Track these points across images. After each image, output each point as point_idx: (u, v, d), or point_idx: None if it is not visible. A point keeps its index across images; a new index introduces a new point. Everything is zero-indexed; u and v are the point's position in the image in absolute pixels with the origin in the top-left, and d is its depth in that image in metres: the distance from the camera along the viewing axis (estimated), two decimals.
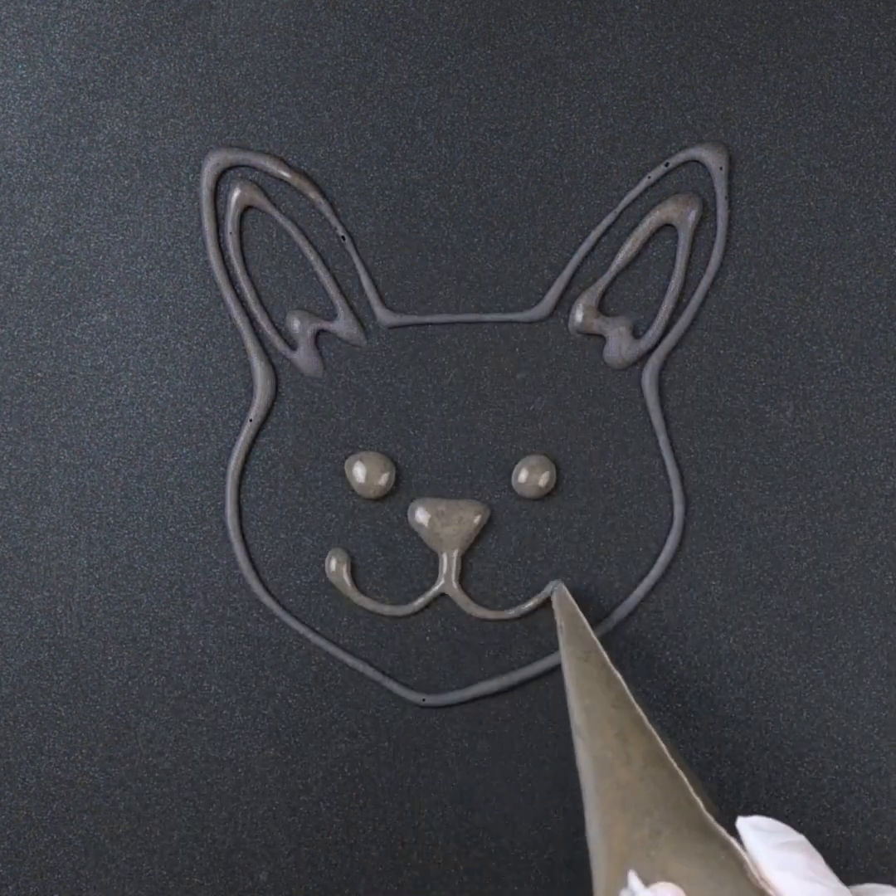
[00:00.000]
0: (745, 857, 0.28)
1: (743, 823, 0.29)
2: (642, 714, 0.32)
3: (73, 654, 0.39)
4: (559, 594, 0.38)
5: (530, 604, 0.39)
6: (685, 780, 0.30)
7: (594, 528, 0.39)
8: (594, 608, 0.39)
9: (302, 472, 0.39)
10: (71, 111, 0.39)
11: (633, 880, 0.28)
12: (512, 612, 0.39)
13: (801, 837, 0.29)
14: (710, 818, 0.29)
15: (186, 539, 0.39)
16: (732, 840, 0.28)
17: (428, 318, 0.39)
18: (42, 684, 0.39)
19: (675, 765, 0.30)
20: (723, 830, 0.29)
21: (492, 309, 0.39)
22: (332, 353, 0.39)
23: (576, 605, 0.37)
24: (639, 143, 0.38)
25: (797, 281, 0.38)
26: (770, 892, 0.27)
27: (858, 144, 0.38)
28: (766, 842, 0.28)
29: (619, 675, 0.34)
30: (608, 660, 0.34)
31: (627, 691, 0.33)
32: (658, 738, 0.31)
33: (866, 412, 0.39)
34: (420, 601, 0.39)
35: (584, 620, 0.36)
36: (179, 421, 0.39)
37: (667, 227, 0.38)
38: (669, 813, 0.29)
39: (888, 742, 0.39)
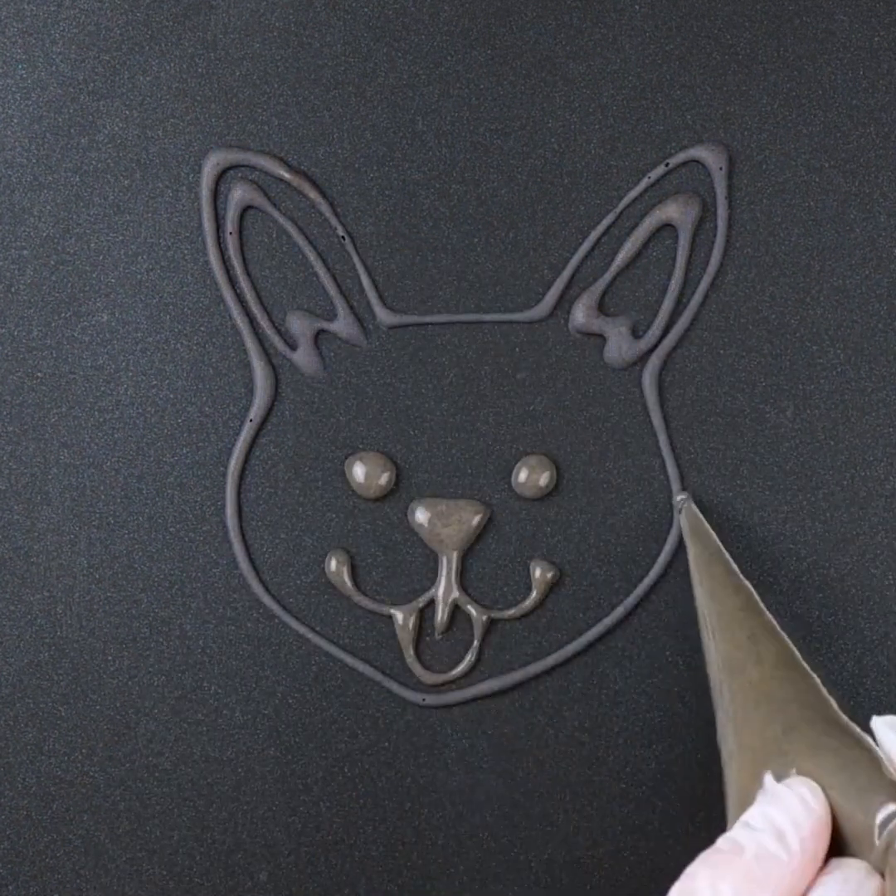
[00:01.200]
0: (881, 754, 0.27)
1: (878, 722, 0.28)
2: (772, 620, 0.32)
3: (73, 654, 0.39)
4: (686, 505, 0.38)
5: (530, 602, 0.39)
6: (818, 680, 0.30)
7: (594, 528, 0.39)
8: (594, 608, 0.39)
9: (302, 472, 0.39)
10: (71, 111, 0.39)
11: (767, 778, 0.28)
12: (512, 612, 0.39)
13: None
14: (844, 716, 0.29)
15: (186, 539, 0.39)
16: (867, 737, 0.28)
17: (428, 318, 0.39)
18: (42, 684, 0.39)
19: (806, 667, 0.30)
20: (857, 728, 0.28)
21: (492, 309, 0.39)
22: (332, 353, 0.39)
23: (700, 515, 0.38)
24: (639, 143, 0.38)
25: (797, 281, 0.38)
26: None
27: (858, 144, 0.38)
28: None
29: (747, 583, 0.34)
30: (735, 567, 0.35)
31: (756, 597, 0.33)
32: (789, 642, 0.31)
33: (866, 412, 0.39)
34: (422, 599, 0.39)
35: (709, 527, 0.37)
36: (179, 421, 0.39)
37: (667, 227, 0.38)
38: (804, 710, 0.29)
39: None
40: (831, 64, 0.38)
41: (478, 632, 0.39)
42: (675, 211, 0.38)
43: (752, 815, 0.27)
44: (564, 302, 0.38)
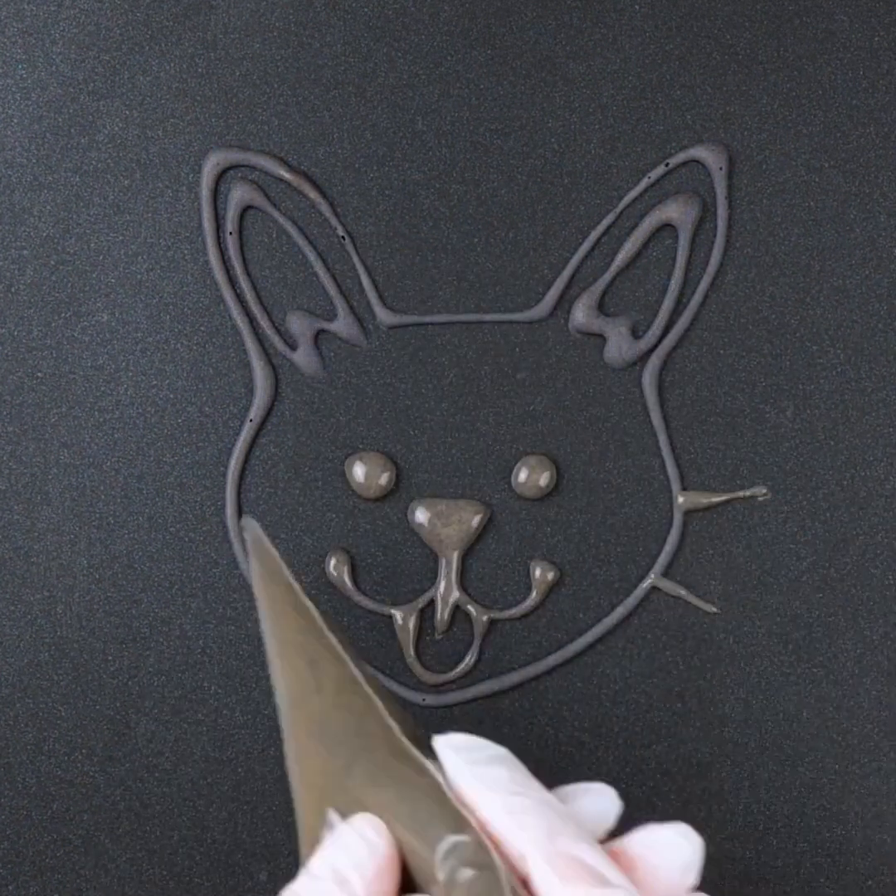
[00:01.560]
0: (441, 779, 0.26)
1: (440, 742, 0.27)
2: (335, 641, 0.30)
3: (73, 654, 0.39)
4: (249, 525, 0.34)
5: (530, 602, 0.39)
6: (380, 705, 0.28)
7: (594, 528, 0.39)
8: (594, 608, 0.39)
9: (302, 472, 0.39)
10: (71, 111, 0.39)
11: (332, 816, 0.27)
12: (512, 612, 0.39)
13: (503, 751, 0.28)
14: (406, 742, 0.27)
15: (186, 539, 0.39)
16: (429, 763, 0.27)
17: (428, 318, 0.39)
18: (42, 684, 0.39)
19: (369, 691, 0.29)
20: (419, 754, 0.27)
21: (492, 309, 0.39)
22: (332, 353, 0.39)
23: (261, 532, 0.34)
24: (639, 143, 0.38)
25: (797, 281, 0.39)
26: (467, 811, 0.26)
27: (858, 144, 0.38)
28: (464, 759, 0.27)
29: (310, 603, 0.31)
30: (298, 587, 0.32)
31: (319, 619, 0.31)
32: (351, 665, 0.29)
33: (866, 412, 0.39)
34: (422, 599, 0.39)
35: (270, 544, 0.33)
36: (179, 421, 0.39)
37: (667, 227, 0.38)
38: (364, 740, 0.28)
39: (888, 742, 0.39)
40: (831, 64, 0.38)
41: (478, 632, 0.39)
42: (675, 211, 0.38)
43: (314, 862, 0.26)
44: (564, 302, 0.38)
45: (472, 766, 0.27)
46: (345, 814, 0.27)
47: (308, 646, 0.30)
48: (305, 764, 0.29)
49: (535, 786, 0.27)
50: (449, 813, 0.26)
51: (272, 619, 0.32)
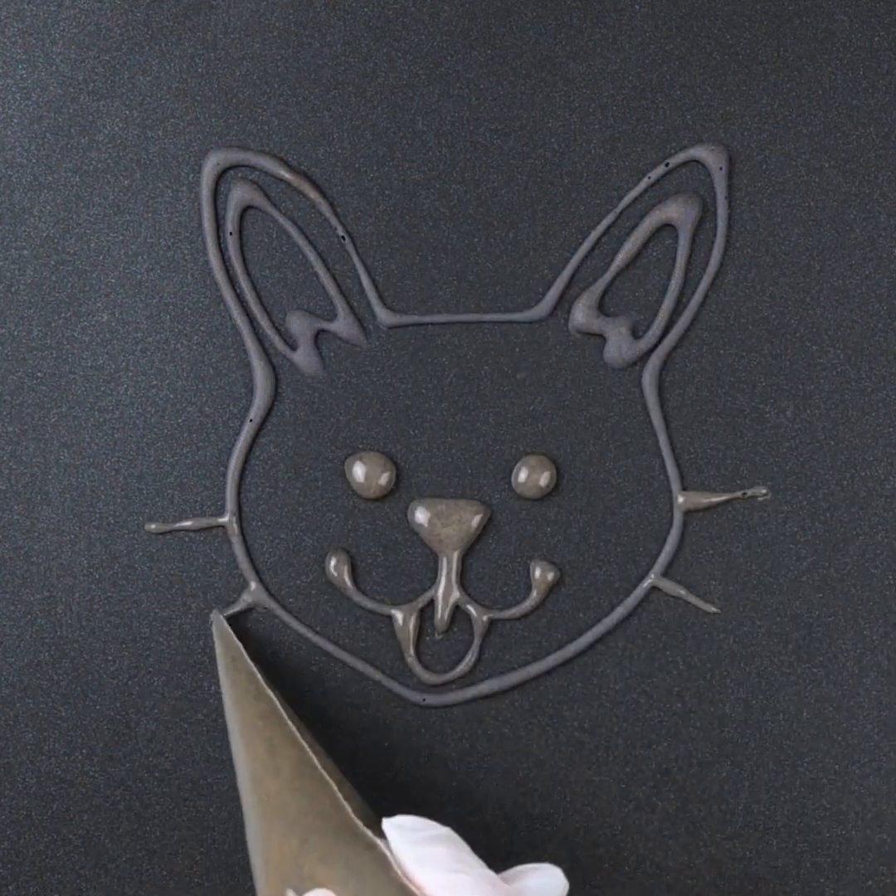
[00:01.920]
0: (389, 855, 0.28)
1: (387, 824, 0.29)
2: (293, 728, 0.32)
3: (73, 654, 0.39)
4: (216, 618, 0.38)
5: (530, 602, 0.39)
6: (334, 787, 0.30)
7: (594, 528, 0.39)
8: (594, 608, 0.39)
9: (302, 472, 0.39)
10: (71, 111, 0.39)
11: (290, 894, 0.29)
12: (512, 612, 0.39)
13: (446, 830, 0.29)
14: (357, 821, 0.29)
15: (186, 539, 0.39)
16: (379, 841, 0.29)
17: (428, 318, 0.39)
18: (42, 684, 0.39)
19: (324, 774, 0.31)
20: (369, 832, 0.29)
21: (492, 309, 0.39)
22: (332, 353, 0.39)
23: (224, 621, 0.38)
24: (639, 143, 0.38)
25: (797, 281, 0.38)
26: (412, 886, 0.27)
27: (858, 144, 0.38)
28: (408, 838, 0.29)
29: (269, 691, 0.34)
30: (257, 672, 0.35)
31: (279, 705, 0.33)
32: (308, 750, 0.32)
33: (866, 412, 0.39)
34: (422, 599, 0.39)
35: (232, 633, 0.37)
36: (179, 421, 0.39)
37: (667, 227, 0.38)
38: (317, 820, 0.30)
39: (888, 742, 0.39)
40: (831, 64, 0.38)
41: (478, 632, 0.39)
42: (675, 211, 0.38)
43: None
44: (564, 302, 0.38)
45: (415, 846, 0.28)
46: (300, 891, 0.29)
47: (267, 731, 0.33)
48: (265, 844, 0.30)
49: (477, 864, 0.29)
50: (395, 887, 0.27)
51: (234, 704, 0.34)
